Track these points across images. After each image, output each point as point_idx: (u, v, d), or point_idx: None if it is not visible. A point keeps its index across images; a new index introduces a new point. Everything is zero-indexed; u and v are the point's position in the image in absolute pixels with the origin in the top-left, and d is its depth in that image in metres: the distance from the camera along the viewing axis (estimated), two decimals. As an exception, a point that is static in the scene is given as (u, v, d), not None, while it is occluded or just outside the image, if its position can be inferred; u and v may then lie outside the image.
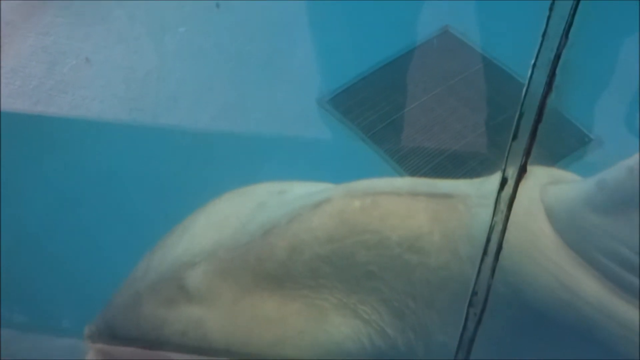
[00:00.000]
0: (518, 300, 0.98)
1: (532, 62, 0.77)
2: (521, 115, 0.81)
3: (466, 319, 1.04)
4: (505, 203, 0.91)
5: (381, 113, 2.42)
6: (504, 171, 0.88)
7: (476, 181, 1.10)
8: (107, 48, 2.30)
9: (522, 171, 0.87)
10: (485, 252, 0.97)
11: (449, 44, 2.58)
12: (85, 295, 1.65)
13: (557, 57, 0.76)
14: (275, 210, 1.17)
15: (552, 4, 0.74)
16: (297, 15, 2.37)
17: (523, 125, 0.82)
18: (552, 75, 0.76)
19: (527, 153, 0.84)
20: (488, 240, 0.95)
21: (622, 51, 2.19)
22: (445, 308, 1.04)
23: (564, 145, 2.31)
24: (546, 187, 1.01)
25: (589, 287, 0.92)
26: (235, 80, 2.25)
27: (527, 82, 0.77)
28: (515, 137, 0.84)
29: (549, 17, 0.76)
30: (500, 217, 0.93)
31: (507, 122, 2.46)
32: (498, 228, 0.94)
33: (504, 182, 0.89)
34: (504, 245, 0.93)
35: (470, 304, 1.02)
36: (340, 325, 1.09)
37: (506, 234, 0.95)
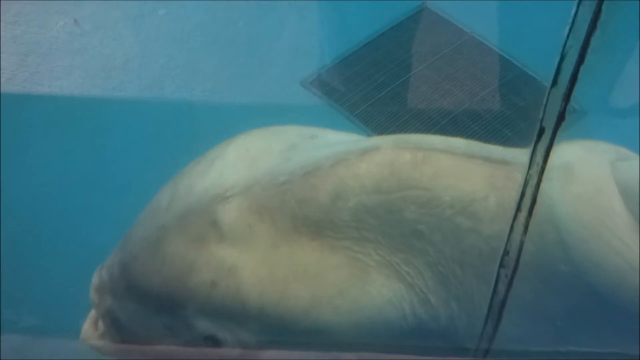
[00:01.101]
0: (582, 281, 0.94)
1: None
2: (563, 57, 0.79)
3: (496, 281, 0.99)
4: (542, 155, 0.89)
5: (366, 92, 2.41)
6: (541, 120, 0.85)
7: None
8: (84, 36, 2.21)
9: (560, 119, 0.85)
10: (518, 208, 0.93)
11: (429, 21, 2.59)
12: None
13: (604, -6, 0.73)
14: (312, 152, 1.08)
15: None
16: (278, -4, 2.33)
17: (564, 69, 0.80)
18: (598, 11, 0.73)
19: (567, 99, 0.82)
20: (522, 194, 0.91)
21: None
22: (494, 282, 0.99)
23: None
24: (617, 163, 0.97)
25: None
26: (219, 63, 2.19)
27: (571, 20, 0.75)
28: (555, 82, 0.82)
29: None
30: (535, 170, 0.90)
31: (490, 96, 2.48)
32: (533, 182, 0.91)
33: (541, 131, 0.86)
34: (569, 221, 0.90)
35: (501, 264, 0.97)
36: (383, 286, 1.03)
37: (573, 209, 0.92)
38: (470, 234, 0.99)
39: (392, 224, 1.01)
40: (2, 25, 2.27)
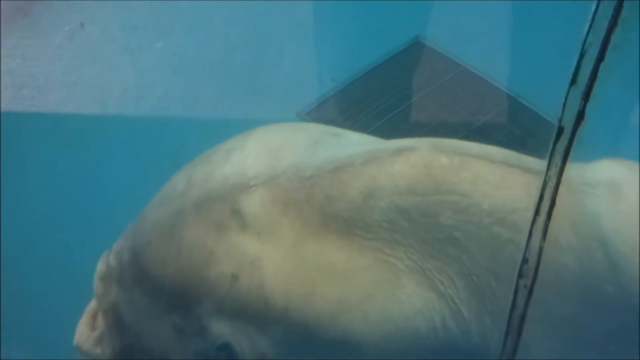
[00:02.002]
0: (628, 303, 0.89)
1: (596, -2, 0.74)
2: (582, 54, 0.78)
3: (515, 293, 0.93)
4: (561, 155, 0.88)
5: (362, 122, 2.42)
6: (560, 120, 0.84)
7: (572, 166, 0.98)
8: (80, 68, 2.21)
9: (580, 118, 0.84)
10: (537, 212, 0.91)
11: (423, 53, 2.63)
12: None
13: (625, -11, 0.73)
14: (339, 149, 1.03)
15: None
16: (275, 29, 2.36)
17: (584, 67, 0.80)
18: (619, 7, 0.73)
19: (586, 97, 0.82)
20: (541, 197, 0.89)
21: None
22: (533, 298, 0.93)
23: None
24: None
25: None
26: (216, 94, 2.20)
27: (591, 16, 0.75)
28: (574, 81, 0.81)
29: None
30: (554, 171, 0.89)
31: (485, 125, 2.50)
32: (552, 183, 0.89)
33: (560, 131, 0.85)
34: (618, 242, 0.87)
35: (520, 274, 0.92)
36: (414, 294, 0.96)
37: (622, 229, 0.88)
38: (508, 245, 0.94)
39: (426, 228, 0.96)
40: (-2, 58, 2.28)
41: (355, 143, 1.08)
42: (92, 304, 1.22)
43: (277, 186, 0.99)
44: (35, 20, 2.28)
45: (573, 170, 0.96)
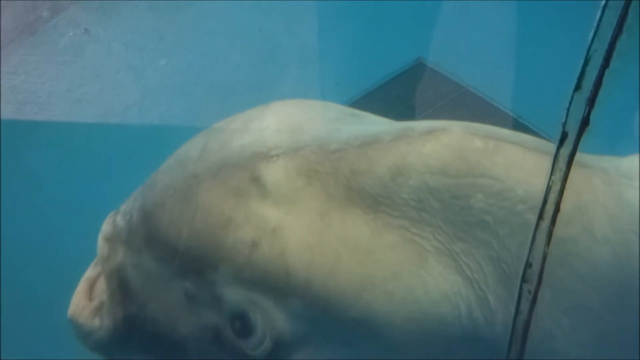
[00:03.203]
0: None
1: (603, 2, 0.75)
2: (587, 60, 0.79)
3: (519, 299, 0.92)
4: (565, 160, 0.87)
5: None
6: (564, 125, 0.84)
7: (607, 158, 0.99)
8: (83, 85, 2.22)
9: (584, 124, 0.84)
10: (540, 216, 0.90)
11: (425, 75, 2.65)
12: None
13: (630, -5, 0.73)
14: (363, 127, 1.00)
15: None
16: (278, 49, 2.38)
17: (588, 73, 0.80)
18: (624, 14, 0.74)
19: (591, 104, 0.82)
20: (544, 201, 0.88)
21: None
22: (563, 290, 0.91)
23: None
24: None
25: None
26: (219, 112, 2.19)
27: (596, 23, 0.76)
28: (578, 87, 0.82)
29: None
30: (558, 176, 0.89)
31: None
32: (556, 188, 0.89)
33: (564, 136, 0.85)
34: None
35: (523, 279, 0.91)
36: (440, 276, 0.92)
37: None
38: (541, 235, 0.90)
39: (456, 210, 0.93)
40: (1, 75, 2.28)
41: (378, 123, 1.05)
42: (89, 272, 1.15)
43: (301, 158, 0.95)
44: (40, 38, 2.30)
45: (606, 161, 0.97)
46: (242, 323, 0.95)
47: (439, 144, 0.95)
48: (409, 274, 0.92)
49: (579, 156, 0.94)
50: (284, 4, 2.38)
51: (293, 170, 0.94)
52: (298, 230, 0.92)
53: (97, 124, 2.07)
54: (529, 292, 0.92)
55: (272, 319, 0.93)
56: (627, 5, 0.72)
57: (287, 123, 1.01)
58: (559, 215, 0.91)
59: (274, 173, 0.94)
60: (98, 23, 2.25)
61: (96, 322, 1.08)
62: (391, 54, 2.52)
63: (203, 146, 1.02)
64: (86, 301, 1.11)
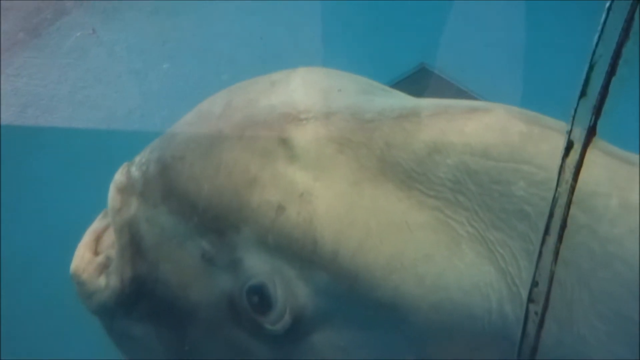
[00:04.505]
0: None
1: (608, 4, 0.72)
2: (592, 66, 0.76)
3: (525, 320, 0.87)
4: (571, 171, 0.84)
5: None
6: (569, 133, 0.81)
7: None
8: (86, 88, 2.21)
9: (590, 133, 0.81)
10: (546, 231, 0.87)
11: (428, 80, 2.63)
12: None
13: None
14: (398, 100, 0.94)
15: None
16: (282, 54, 2.37)
17: (593, 79, 0.78)
18: (630, 19, 0.71)
19: (597, 112, 0.79)
20: (550, 215, 0.85)
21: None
22: (602, 293, 0.84)
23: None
24: None
25: None
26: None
27: (600, 27, 0.74)
28: (584, 93, 0.79)
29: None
30: (565, 188, 0.86)
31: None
32: (562, 201, 0.86)
33: (569, 145, 0.82)
34: None
35: (530, 299, 0.86)
36: (472, 265, 0.86)
37: None
38: (583, 230, 0.86)
39: (495, 196, 0.86)
40: (3, 77, 2.28)
41: (411, 99, 0.99)
42: (96, 224, 1.08)
43: (332, 124, 0.89)
44: (44, 41, 2.29)
45: None
46: (259, 296, 0.89)
47: (482, 124, 0.89)
48: (440, 258, 0.86)
49: (623, 152, 0.91)
50: (287, 9, 2.36)
51: (324, 136, 0.88)
52: (327, 198, 0.86)
53: (99, 129, 2.06)
54: (536, 313, 0.87)
55: (294, 291, 0.88)
56: (633, 9, 0.69)
57: (316, 88, 0.95)
58: (567, 230, 0.87)
59: (304, 137, 0.88)
60: (101, 26, 2.24)
61: (101, 280, 1.00)
62: (394, 59, 2.50)
63: (227, 103, 0.95)
64: (91, 255, 1.03)
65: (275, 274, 0.87)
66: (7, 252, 1.86)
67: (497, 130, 0.87)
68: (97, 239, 1.05)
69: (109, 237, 1.03)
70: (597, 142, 0.92)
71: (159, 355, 0.99)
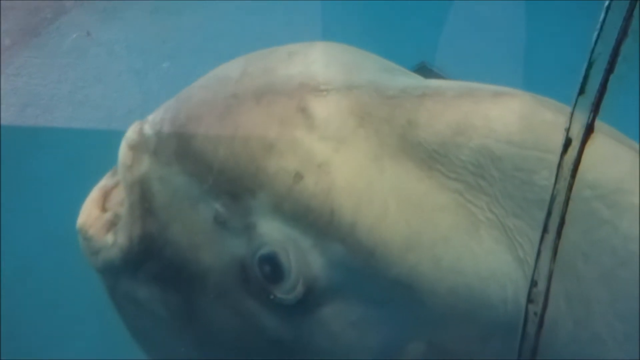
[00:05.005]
0: None
1: (606, 3, 0.72)
2: (590, 64, 0.76)
3: (525, 321, 0.85)
4: (569, 168, 0.84)
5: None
6: (568, 130, 0.80)
7: None
8: (85, 88, 2.21)
9: (589, 130, 0.81)
10: (545, 229, 0.87)
11: (428, 78, 2.63)
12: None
13: (635, -2, 0.71)
14: (421, 81, 0.93)
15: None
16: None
17: (592, 77, 0.78)
18: (629, 17, 0.71)
19: (596, 109, 0.79)
20: (549, 213, 0.84)
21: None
22: (622, 292, 0.83)
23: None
24: None
25: None
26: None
27: (599, 25, 0.73)
28: (582, 91, 0.79)
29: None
30: (563, 185, 0.85)
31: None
32: (560, 198, 0.85)
33: (567, 142, 0.81)
34: None
35: (529, 299, 0.85)
36: (490, 252, 0.84)
37: None
38: (606, 226, 0.84)
39: (516, 184, 0.84)
40: (3, 77, 2.28)
41: (433, 80, 0.98)
42: (104, 181, 1.06)
43: (354, 97, 0.87)
44: (44, 40, 2.29)
45: None
46: (272, 266, 0.87)
47: (508, 109, 0.87)
48: (458, 241, 0.84)
49: None
50: (287, 7, 2.36)
51: (345, 108, 0.86)
52: (346, 170, 0.84)
53: (99, 128, 2.06)
54: (535, 314, 0.86)
55: (308, 261, 0.86)
56: (632, 7, 0.69)
57: (336, 62, 0.93)
58: (564, 227, 0.88)
59: (324, 107, 0.86)
60: (101, 26, 2.24)
61: (109, 237, 0.98)
62: (395, 57, 2.47)
63: (243, 70, 0.92)
64: (99, 212, 1.01)
65: (290, 242, 0.86)
66: (7, 251, 1.86)
67: (523, 116, 0.85)
68: (105, 196, 1.04)
69: (118, 195, 1.01)
70: (624, 139, 0.94)
71: (162, 321, 0.97)
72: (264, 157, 0.85)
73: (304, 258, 0.85)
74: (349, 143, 0.85)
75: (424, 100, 0.87)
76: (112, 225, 0.99)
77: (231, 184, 0.87)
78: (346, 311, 0.87)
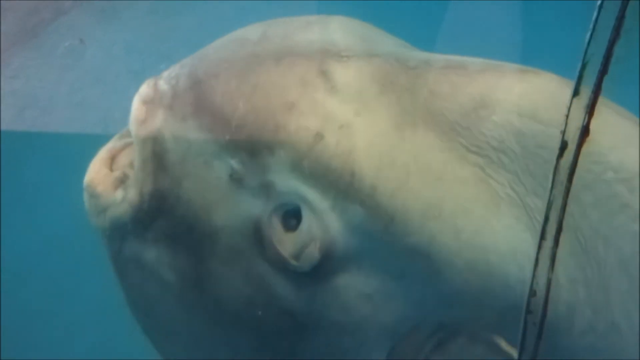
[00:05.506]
0: None
1: (599, 2, 0.70)
2: (584, 65, 0.75)
3: (524, 331, 0.82)
4: (566, 172, 0.82)
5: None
6: (563, 133, 0.79)
7: None
8: (83, 90, 2.20)
9: (584, 133, 0.79)
10: (542, 236, 0.84)
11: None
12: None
13: (629, -5, 0.69)
14: (442, 55, 0.91)
15: None
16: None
17: (586, 78, 0.76)
18: (620, 17, 0.70)
19: (590, 112, 0.77)
20: (546, 219, 0.83)
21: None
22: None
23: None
24: None
25: None
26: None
27: (592, 25, 0.72)
28: (576, 92, 0.77)
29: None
30: (559, 190, 0.83)
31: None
32: (557, 203, 0.84)
33: (563, 146, 0.80)
34: None
35: (528, 309, 0.81)
36: (510, 229, 0.82)
37: None
38: (627, 210, 0.82)
39: (539, 162, 0.82)
40: (1, 79, 2.27)
41: (455, 56, 0.96)
42: (112, 144, 1.04)
43: (375, 65, 0.86)
44: (42, 41, 2.28)
45: None
46: (290, 225, 0.84)
47: (533, 85, 0.85)
48: (479, 215, 0.82)
49: None
50: (285, 7, 2.34)
51: (367, 75, 0.85)
52: (368, 134, 0.82)
53: (97, 130, 2.05)
54: (534, 324, 0.81)
55: (325, 223, 0.83)
56: (624, 7, 0.68)
57: (355, 32, 0.92)
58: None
59: (346, 72, 0.84)
60: (99, 27, 2.23)
61: (118, 193, 0.94)
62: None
63: (262, 33, 0.91)
64: (107, 170, 0.98)
65: (308, 203, 0.83)
66: (6, 252, 1.86)
67: (549, 94, 0.83)
68: (112, 158, 1.01)
69: (125, 157, 0.99)
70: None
71: (169, 287, 0.93)
72: (284, 114, 0.83)
73: (321, 220, 0.83)
74: (371, 109, 0.83)
75: (447, 72, 0.86)
76: (120, 183, 0.95)
77: (249, 140, 0.85)
78: (361, 283, 0.85)
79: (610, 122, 0.85)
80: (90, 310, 1.84)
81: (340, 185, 0.82)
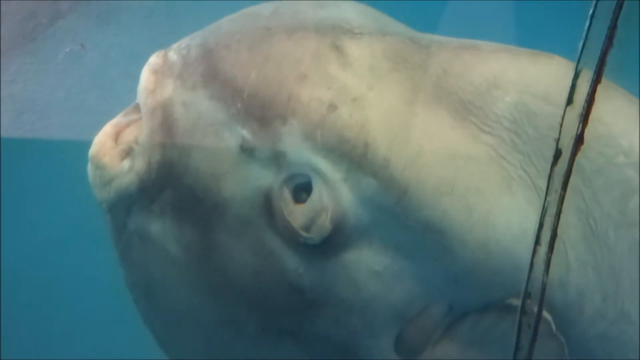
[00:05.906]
0: None
1: (590, 11, 0.71)
2: (577, 74, 0.75)
3: (519, 333, 0.84)
4: (560, 180, 0.83)
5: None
6: (557, 142, 0.79)
7: None
8: (81, 94, 2.20)
9: (578, 142, 0.80)
10: (537, 241, 0.84)
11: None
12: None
13: (620, 6, 0.70)
14: (453, 38, 0.91)
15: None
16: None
17: (579, 87, 0.76)
18: (613, 27, 0.70)
19: (585, 120, 0.78)
20: (540, 225, 0.83)
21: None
22: None
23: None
24: None
25: None
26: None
27: (584, 34, 0.72)
28: (570, 101, 0.77)
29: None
30: (554, 197, 0.84)
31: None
32: (552, 210, 0.84)
33: (557, 154, 0.80)
34: None
35: (522, 311, 0.83)
36: (521, 210, 0.82)
37: None
38: (638, 195, 0.82)
39: (551, 144, 0.80)
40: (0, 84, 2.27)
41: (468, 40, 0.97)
42: (117, 119, 1.03)
43: (388, 42, 0.85)
44: (40, 46, 2.28)
45: None
46: (305, 191, 0.84)
47: (545, 68, 0.86)
48: (491, 194, 0.81)
49: None
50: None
51: (379, 51, 0.84)
52: (381, 108, 0.81)
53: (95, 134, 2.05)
54: (529, 325, 0.84)
55: (338, 195, 0.82)
56: (616, 16, 0.68)
57: (366, 14, 0.92)
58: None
59: (359, 48, 0.84)
60: (97, 30, 2.23)
61: (125, 164, 0.93)
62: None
63: (274, 9, 0.92)
64: (113, 143, 0.97)
65: (320, 174, 0.82)
66: (6, 254, 1.86)
67: (562, 76, 0.80)
68: (118, 133, 1.00)
69: (130, 134, 0.98)
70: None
71: (174, 261, 0.91)
72: (297, 85, 0.82)
73: (333, 191, 0.82)
74: (383, 84, 0.82)
75: (460, 52, 0.86)
76: (126, 154, 0.94)
77: (261, 110, 0.83)
78: (372, 260, 0.83)
79: (622, 107, 0.86)
80: (90, 310, 1.85)
81: (353, 157, 0.80)
